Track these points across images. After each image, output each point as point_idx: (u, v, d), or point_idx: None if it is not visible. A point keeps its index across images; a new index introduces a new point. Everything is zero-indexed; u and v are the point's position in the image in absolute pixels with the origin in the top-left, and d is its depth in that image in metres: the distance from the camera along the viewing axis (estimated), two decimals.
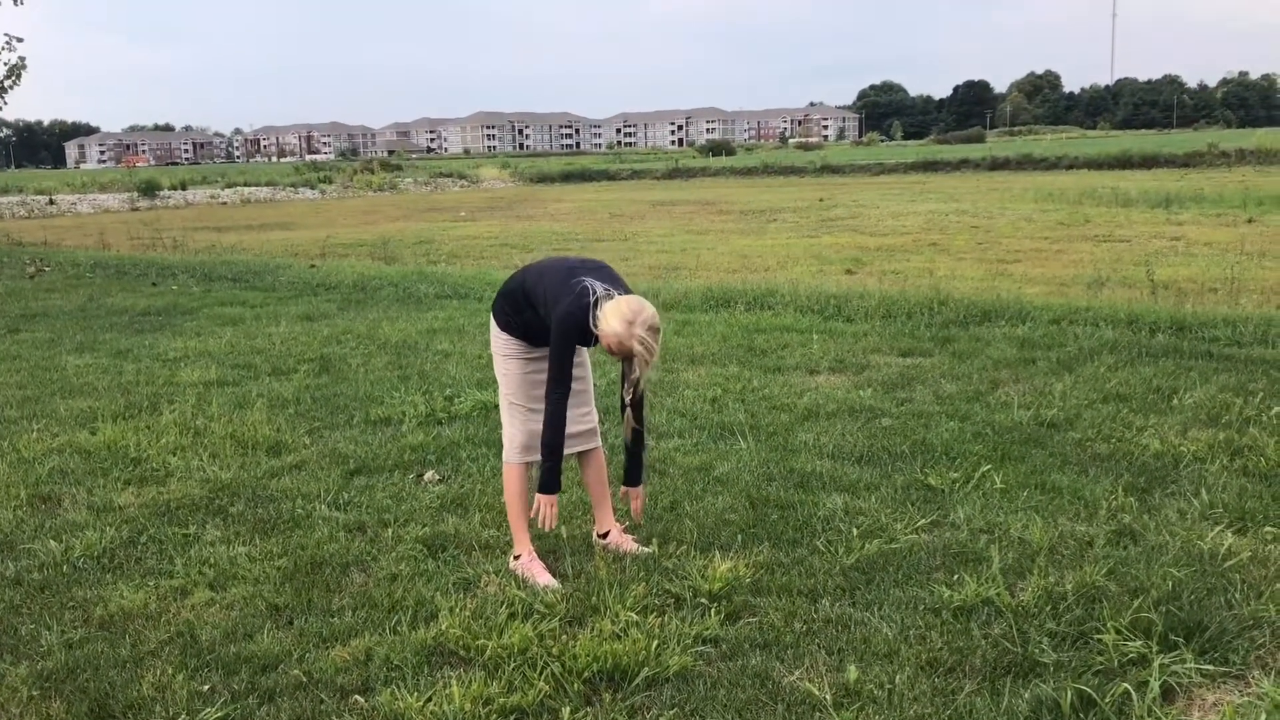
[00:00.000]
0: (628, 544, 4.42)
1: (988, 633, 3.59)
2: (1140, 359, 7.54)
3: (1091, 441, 5.69)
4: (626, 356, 3.90)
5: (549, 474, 4.07)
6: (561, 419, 4.04)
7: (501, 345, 4.32)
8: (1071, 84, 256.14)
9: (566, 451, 4.24)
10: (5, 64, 20.44)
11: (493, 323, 4.34)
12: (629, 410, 4.15)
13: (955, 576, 4.01)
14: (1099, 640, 3.47)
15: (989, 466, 5.22)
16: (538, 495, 4.11)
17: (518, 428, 4.29)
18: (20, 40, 20.63)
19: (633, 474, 4.38)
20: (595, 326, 3.86)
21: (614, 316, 3.80)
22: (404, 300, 12.11)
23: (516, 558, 4.26)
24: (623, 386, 4.14)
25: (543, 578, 4.14)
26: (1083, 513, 4.66)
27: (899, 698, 3.21)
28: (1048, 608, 3.72)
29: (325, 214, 33.65)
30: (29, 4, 20.40)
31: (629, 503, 4.45)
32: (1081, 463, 5.35)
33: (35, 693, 3.42)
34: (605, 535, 4.47)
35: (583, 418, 4.38)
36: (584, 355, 4.39)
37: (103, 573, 4.38)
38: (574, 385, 4.14)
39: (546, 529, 4.15)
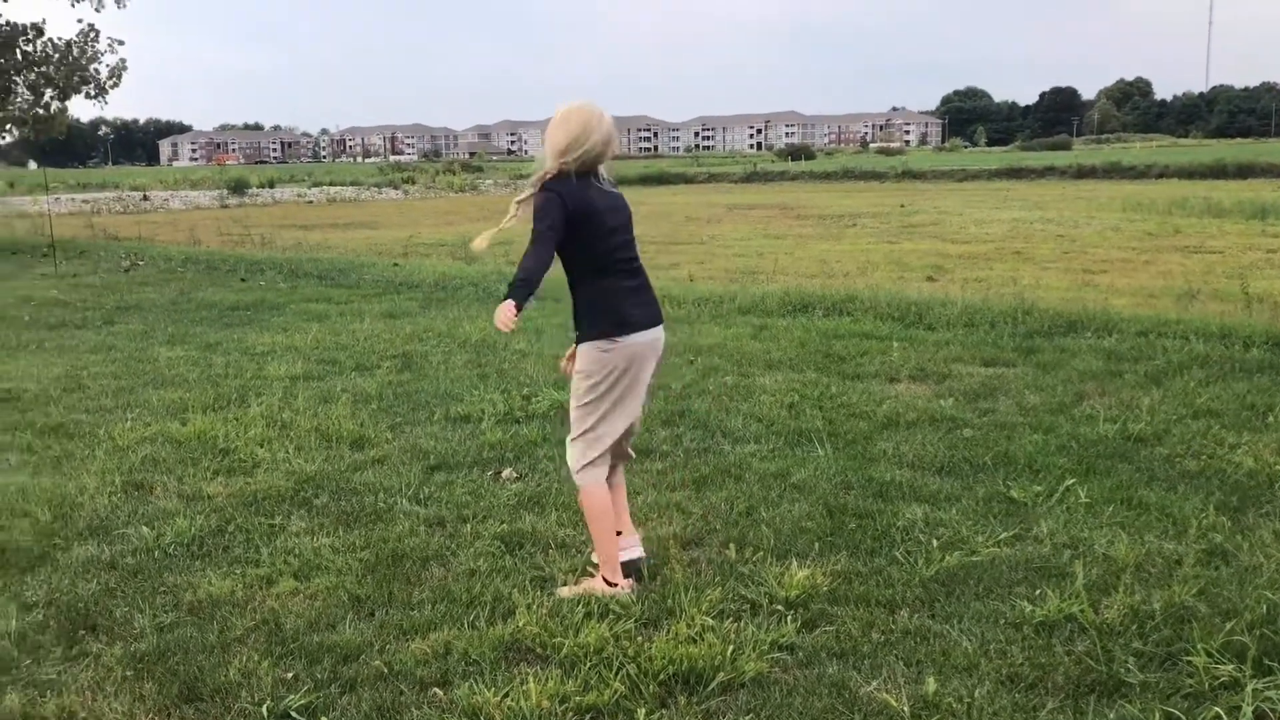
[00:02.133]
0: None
1: (1071, 649, 3.52)
2: (1233, 374, 7.32)
3: (1181, 458, 5.54)
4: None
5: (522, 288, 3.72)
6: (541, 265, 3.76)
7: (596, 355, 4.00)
8: (1163, 91, 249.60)
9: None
10: (108, 65, 21.23)
11: (590, 344, 4.01)
12: None
13: (1037, 591, 3.94)
14: (1188, 662, 3.38)
15: (1073, 480, 5.12)
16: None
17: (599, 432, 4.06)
18: (121, 43, 21.44)
19: None
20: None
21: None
22: (484, 299, 12.25)
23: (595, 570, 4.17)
24: None
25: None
26: (1171, 530, 4.54)
27: (978, 712, 3.16)
28: (1134, 626, 3.64)
29: (408, 214, 34.19)
30: (127, 7, 21.12)
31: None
32: (1170, 479, 5.22)
33: (129, 673, 3.53)
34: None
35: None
36: (648, 371, 4.12)
37: (192, 559, 4.50)
38: (632, 396, 4.05)
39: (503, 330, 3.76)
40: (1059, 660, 3.45)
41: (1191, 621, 3.63)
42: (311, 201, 44.20)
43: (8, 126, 21.77)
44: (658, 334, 4.13)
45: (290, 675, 3.49)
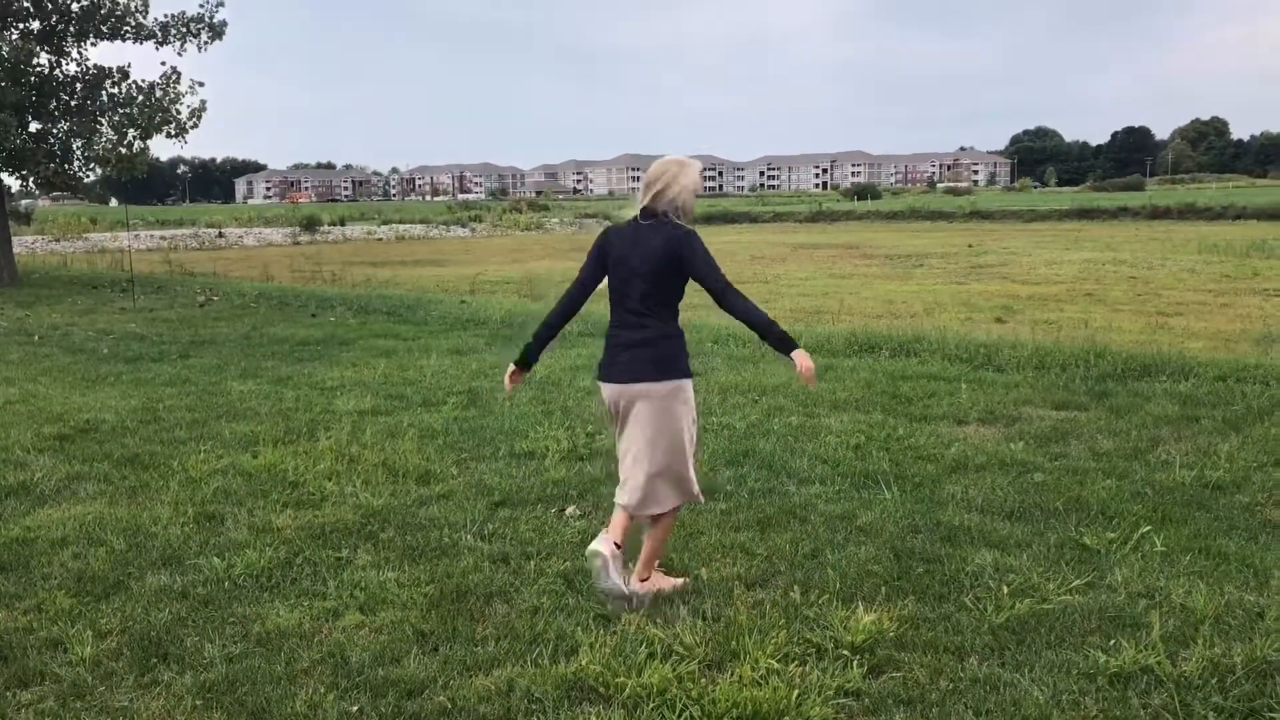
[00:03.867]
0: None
1: (1147, 703, 3.42)
2: None
3: (1262, 507, 5.38)
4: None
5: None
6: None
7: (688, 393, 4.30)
8: (1240, 130, 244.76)
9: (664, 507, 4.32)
10: (188, 106, 21.86)
11: (679, 381, 4.26)
12: None
13: (1112, 641, 3.84)
14: (1271, 718, 3.26)
15: (1149, 528, 5.00)
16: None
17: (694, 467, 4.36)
18: (202, 84, 22.03)
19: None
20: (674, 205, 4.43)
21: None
22: None
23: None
24: None
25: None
26: (1252, 581, 4.40)
27: None
28: (1214, 680, 3.53)
29: (475, 251, 34.64)
30: (208, 50, 21.81)
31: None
32: (1250, 529, 5.07)
33: (198, 702, 3.58)
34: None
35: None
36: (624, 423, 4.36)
37: (261, 591, 4.56)
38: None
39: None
40: (1135, 713, 3.36)
41: (1275, 677, 3.51)
42: (381, 239, 45.01)
43: (92, 165, 22.43)
44: (608, 390, 4.42)
45: (355, 709, 3.51)
